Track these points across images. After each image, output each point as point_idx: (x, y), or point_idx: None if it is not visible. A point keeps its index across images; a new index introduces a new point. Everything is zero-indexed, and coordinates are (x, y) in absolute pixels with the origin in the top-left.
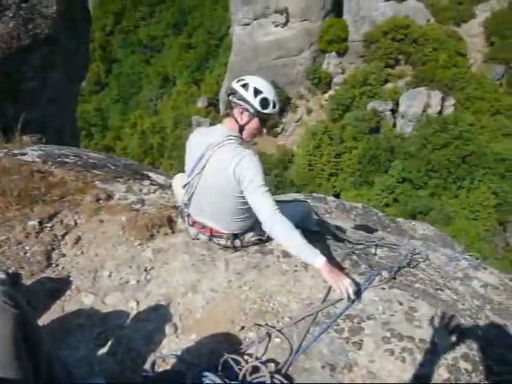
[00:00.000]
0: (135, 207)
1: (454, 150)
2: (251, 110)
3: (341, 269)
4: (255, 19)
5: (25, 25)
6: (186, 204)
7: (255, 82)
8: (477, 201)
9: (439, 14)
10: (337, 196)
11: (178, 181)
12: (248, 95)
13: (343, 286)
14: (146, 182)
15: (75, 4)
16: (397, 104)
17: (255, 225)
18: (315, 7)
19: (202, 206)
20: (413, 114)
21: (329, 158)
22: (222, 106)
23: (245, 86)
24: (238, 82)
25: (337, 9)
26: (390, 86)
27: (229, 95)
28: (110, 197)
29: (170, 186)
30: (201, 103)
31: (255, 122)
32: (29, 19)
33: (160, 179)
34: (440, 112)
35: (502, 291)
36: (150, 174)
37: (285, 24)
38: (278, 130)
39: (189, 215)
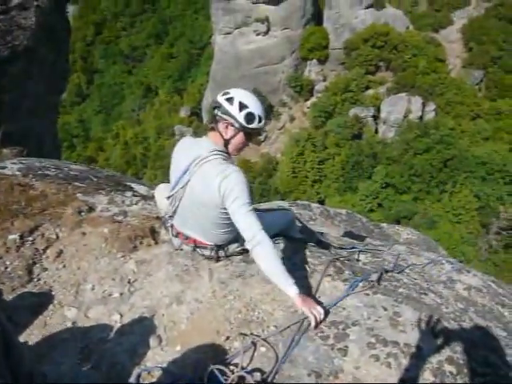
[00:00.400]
0: (118, 219)
1: (436, 155)
2: (236, 125)
3: (312, 297)
4: (236, 28)
5: (3, 36)
6: (170, 216)
7: (240, 95)
8: (459, 204)
9: (418, 20)
10: (321, 202)
11: (161, 191)
12: (233, 109)
13: (316, 312)
14: (129, 194)
15: (54, 15)
16: (378, 110)
17: (239, 236)
18: (295, 16)
19: (187, 219)
20: (394, 120)
21: (312, 164)
22: (204, 116)
23: (230, 99)
24: (223, 95)
25: (317, 17)
26: (371, 92)
27: (214, 108)
28: (91, 209)
29: (152, 197)
30: (183, 112)
31: (240, 137)
32: (7, 31)
33: (142, 190)
34: (421, 117)
35: (485, 293)
36: (133, 185)
37: (266, 32)
38: (261, 137)
39: (172, 226)
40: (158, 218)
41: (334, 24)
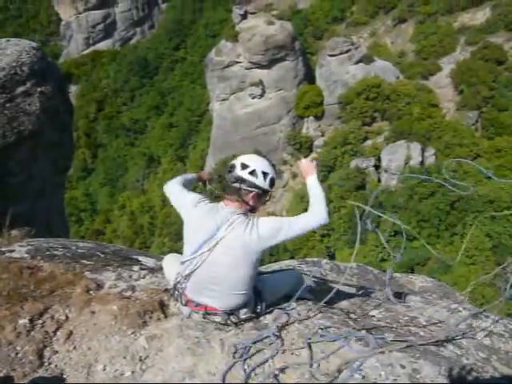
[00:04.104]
0: (126, 295)
1: (442, 198)
2: (261, 192)
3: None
4: (232, 93)
5: (9, 123)
6: (183, 279)
7: (260, 165)
8: (472, 245)
9: (407, 70)
10: (331, 256)
11: (169, 262)
12: (259, 181)
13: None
14: (136, 268)
15: (57, 98)
16: (379, 159)
17: (249, 301)
18: (289, 77)
19: (204, 283)
20: (396, 167)
21: None
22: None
23: (253, 173)
24: (243, 169)
25: (309, 76)
26: (369, 142)
27: (234, 182)
28: (100, 286)
29: (160, 269)
30: None
31: (263, 199)
32: (13, 117)
33: (150, 262)
34: (422, 162)
35: (507, 338)
36: (140, 257)
37: (261, 95)
38: (267, 197)
39: (182, 294)
40: (166, 290)
41: (327, 81)
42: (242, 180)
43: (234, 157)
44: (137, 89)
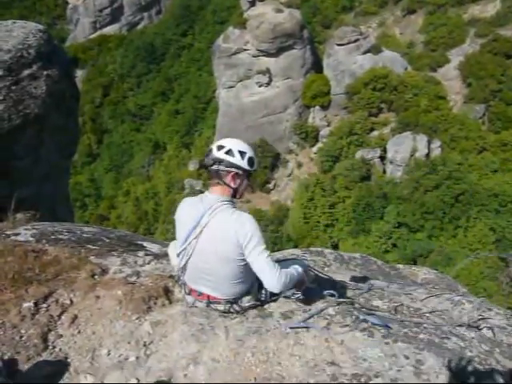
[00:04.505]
0: (131, 280)
1: (446, 191)
2: (240, 172)
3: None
4: (239, 81)
5: (15, 106)
6: (181, 271)
7: (236, 145)
8: (475, 239)
9: (415, 61)
10: (335, 246)
11: (174, 248)
12: (237, 160)
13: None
14: (141, 253)
15: (64, 82)
16: (384, 150)
17: (252, 288)
18: (296, 65)
19: (199, 273)
20: (401, 159)
21: (323, 209)
22: None
23: (229, 152)
24: (219, 150)
25: (317, 65)
26: (375, 133)
27: (213, 164)
28: (104, 271)
29: (165, 255)
30: (192, 166)
31: (246, 181)
32: (19, 100)
33: (155, 248)
34: (427, 154)
35: (510, 331)
36: (145, 243)
37: (268, 83)
38: (271, 186)
39: (185, 283)
40: (171, 276)
41: (334, 71)
42: (219, 161)
43: None
44: (143, 75)
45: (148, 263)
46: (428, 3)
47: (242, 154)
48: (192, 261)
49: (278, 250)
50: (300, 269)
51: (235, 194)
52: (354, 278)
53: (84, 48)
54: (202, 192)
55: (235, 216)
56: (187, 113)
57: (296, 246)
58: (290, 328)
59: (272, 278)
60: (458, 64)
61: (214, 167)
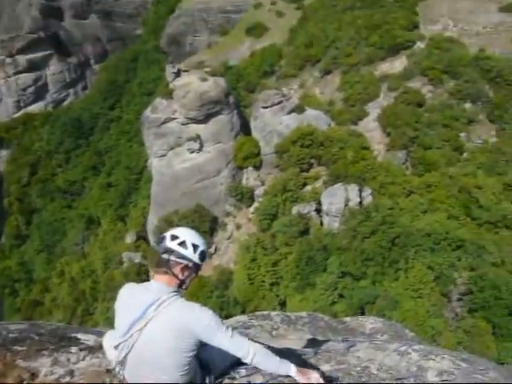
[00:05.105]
0: (64, 381)
1: (382, 235)
2: (191, 265)
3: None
4: (170, 149)
5: None
6: (119, 366)
7: (190, 237)
8: (416, 279)
9: (337, 117)
10: (283, 304)
11: (109, 339)
12: (189, 253)
13: (314, 379)
14: (74, 349)
15: None
16: (319, 203)
17: (194, 377)
18: (225, 130)
19: (140, 366)
20: (336, 210)
21: (266, 267)
22: (151, 238)
23: (182, 243)
24: (172, 239)
25: (245, 128)
26: (309, 188)
27: (163, 253)
28: (34, 375)
29: (101, 347)
30: (129, 238)
31: (194, 274)
32: None
33: (91, 340)
34: (360, 202)
35: (457, 375)
36: (79, 335)
37: (199, 149)
38: (212, 250)
39: (124, 378)
40: (108, 371)
41: (262, 132)
42: (170, 251)
43: (176, 212)
44: (72, 150)
45: (82, 359)
46: (342, 64)
47: (195, 247)
48: (134, 354)
49: (226, 317)
50: (285, 361)
51: (181, 285)
52: (300, 342)
53: (7, 127)
54: (141, 265)
55: (188, 310)
56: (120, 185)
57: (243, 310)
58: None
59: (241, 350)
60: (377, 116)
61: (165, 256)
